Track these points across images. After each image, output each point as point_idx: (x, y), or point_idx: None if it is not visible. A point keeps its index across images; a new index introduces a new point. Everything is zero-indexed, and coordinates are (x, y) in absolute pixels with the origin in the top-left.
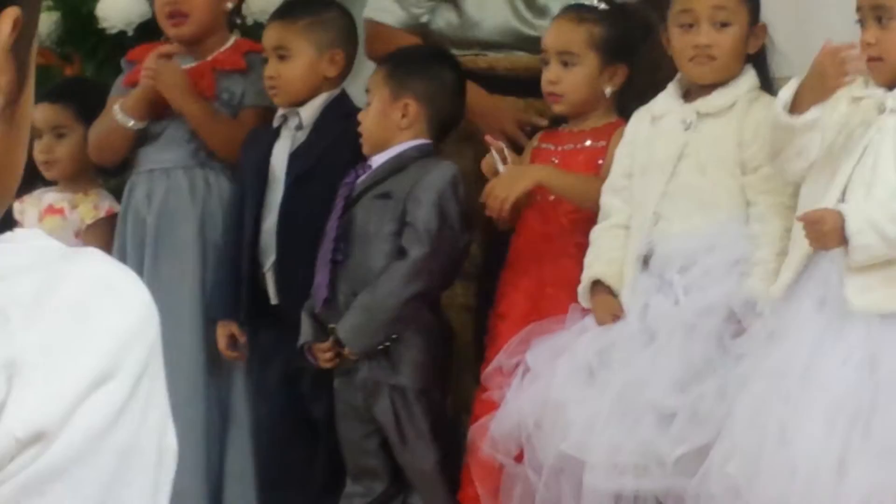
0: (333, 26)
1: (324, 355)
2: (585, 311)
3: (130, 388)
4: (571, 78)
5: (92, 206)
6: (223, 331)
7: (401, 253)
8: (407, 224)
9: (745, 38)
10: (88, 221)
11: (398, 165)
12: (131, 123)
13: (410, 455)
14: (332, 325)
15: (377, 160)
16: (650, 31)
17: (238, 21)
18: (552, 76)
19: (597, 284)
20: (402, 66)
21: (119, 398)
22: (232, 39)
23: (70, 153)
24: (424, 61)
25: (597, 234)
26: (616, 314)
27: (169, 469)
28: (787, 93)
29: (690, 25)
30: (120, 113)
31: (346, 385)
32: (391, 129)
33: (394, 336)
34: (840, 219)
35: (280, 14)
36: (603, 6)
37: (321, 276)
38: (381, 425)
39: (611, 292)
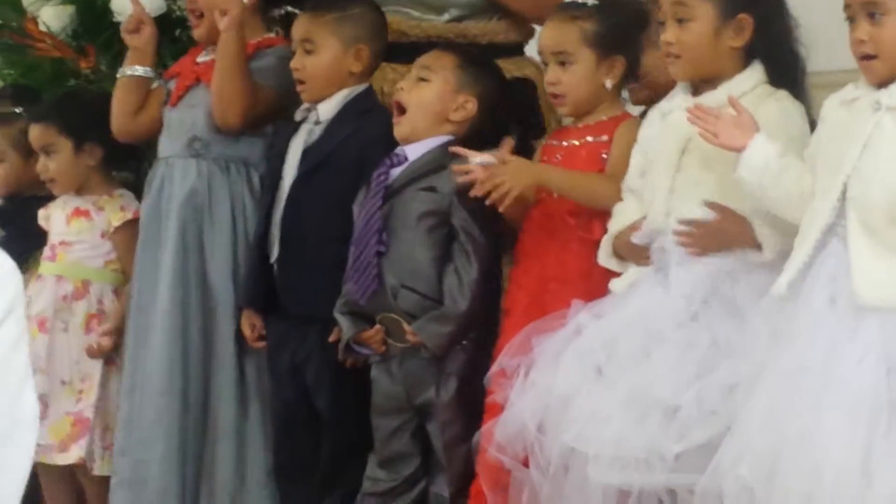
0: (361, 22)
1: (376, 344)
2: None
3: None
4: (569, 77)
5: (118, 207)
6: (245, 320)
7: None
8: (460, 217)
9: (715, 34)
10: (116, 224)
11: (436, 162)
12: (135, 70)
13: (448, 441)
14: (389, 315)
15: (412, 152)
16: (646, 21)
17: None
18: (551, 77)
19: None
20: (473, 63)
21: None
22: (261, 37)
23: (61, 168)
24: (490, 65)
25: (617, 208)
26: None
27: (26, 433)
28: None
29: (662, 23)
30: (127, 68)
31: (385, 375)
32: (438, 117)
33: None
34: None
35: (309, 7)
36: (593, 1)
37: (368, 269)
38: (421, 413)
39: None
